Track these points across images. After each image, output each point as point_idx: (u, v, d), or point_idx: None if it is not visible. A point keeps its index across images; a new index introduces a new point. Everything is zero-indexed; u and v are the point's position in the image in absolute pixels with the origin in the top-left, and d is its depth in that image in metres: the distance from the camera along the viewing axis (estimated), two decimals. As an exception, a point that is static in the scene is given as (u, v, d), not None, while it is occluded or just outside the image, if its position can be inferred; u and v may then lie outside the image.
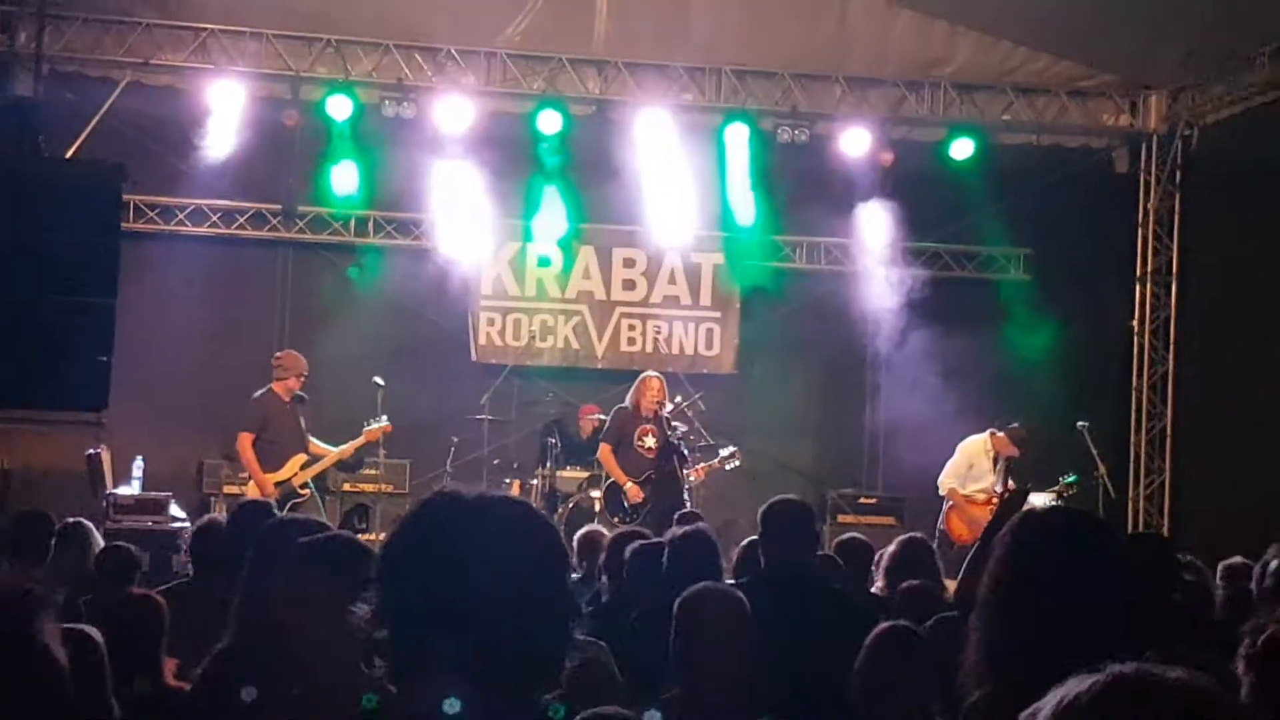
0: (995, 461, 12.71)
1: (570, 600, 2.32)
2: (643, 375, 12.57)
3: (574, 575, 6.56)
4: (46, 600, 4.26)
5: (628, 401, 12.38)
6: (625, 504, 12.02)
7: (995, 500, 12.22)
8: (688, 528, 6.43)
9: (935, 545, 8.48)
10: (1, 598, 2.72)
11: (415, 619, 2.19)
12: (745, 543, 7.31)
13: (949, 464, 12.78)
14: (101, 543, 7.75)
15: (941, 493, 12.72)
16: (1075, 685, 1.60)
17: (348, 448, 12.04)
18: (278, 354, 12.21)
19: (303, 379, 11.97)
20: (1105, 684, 1.58)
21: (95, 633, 4.59)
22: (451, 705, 2.10)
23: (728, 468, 12.55)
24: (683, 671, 4.47)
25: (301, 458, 11.80)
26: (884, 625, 4.77)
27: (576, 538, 8.14)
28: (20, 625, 2.63)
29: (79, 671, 4.35)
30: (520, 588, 2.18)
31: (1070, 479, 12.75)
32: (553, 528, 2.35)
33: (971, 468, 12.74)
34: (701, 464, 12.44)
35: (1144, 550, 6.86)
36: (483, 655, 2.14)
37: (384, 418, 12.18)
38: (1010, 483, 12.49)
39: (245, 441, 11.71)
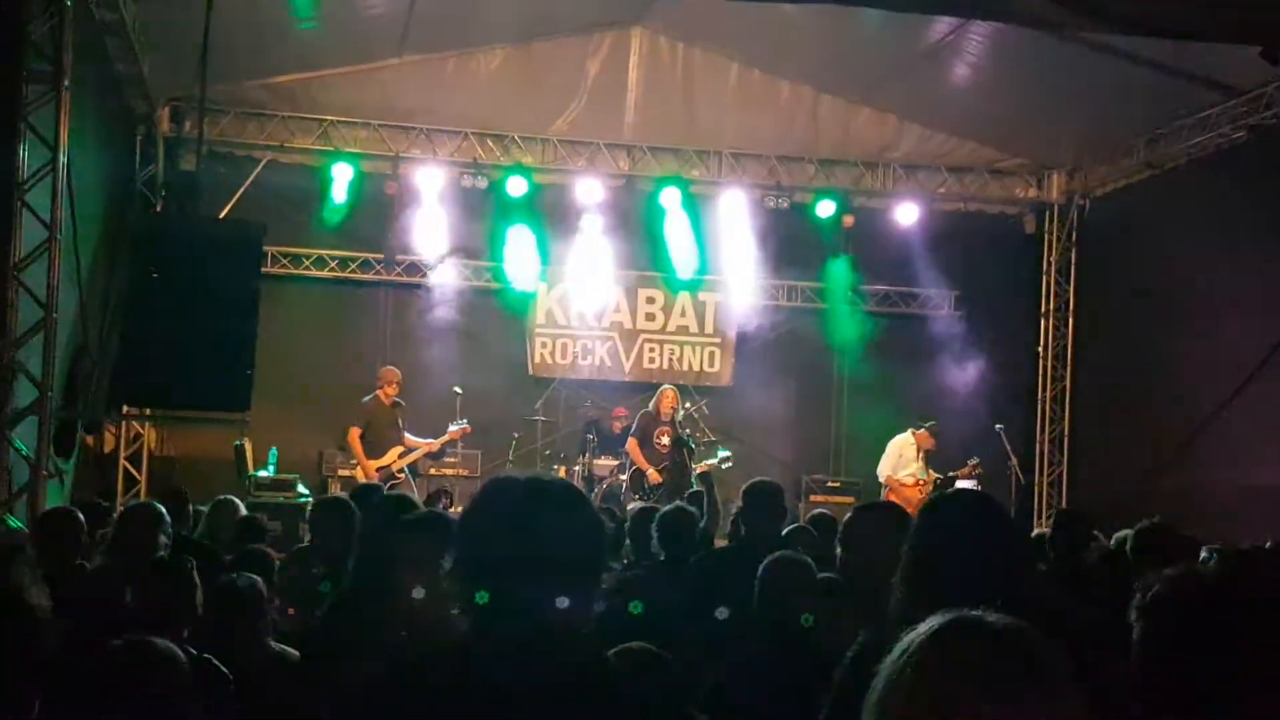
0: (918, 452, 12.69)
1: (602, 553, 2.22)
2: (661, 388, 12.56)
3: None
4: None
5: (650, 407, 12.36)
6: (646, 486, 12.00)
7: (920, 484, 12.33)
8: (676, 504, 6.43)
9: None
10: None
11: (483, 567, 2.10)
12: (733, 519, 7.33)
13: (884, 457, 12.87)
14: (245, 513, 7.78)
15: (881, 480, 12.77)
16: (918, 629, 1.53)
17: (435, 443, 12.05)
18: (381, 369, 12.26)
19: (399, 387, 12.00)
20: (936, 627, 1.51)
21: (260, 580, 4.52)
22: (481, 597, 2.01)
23: (723, 467, 12.52)
24: (763, 617, 4.38)
25: (399, 449, 11.82)
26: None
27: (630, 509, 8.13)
28: None
29: (251, 605, 4.31)
30: (563, 543, 2.10)
31: (973, 460, 12.74)
32: (590, 503, 2.28)
33: (900, 457, 12.76)
34: (705, 462, 12.42)
35: (1066, 522, 7.00)
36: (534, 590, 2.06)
37: (464, 421, 12.19)
38: (930, 470, 12.57)
39: (354, 434, 11.77)
